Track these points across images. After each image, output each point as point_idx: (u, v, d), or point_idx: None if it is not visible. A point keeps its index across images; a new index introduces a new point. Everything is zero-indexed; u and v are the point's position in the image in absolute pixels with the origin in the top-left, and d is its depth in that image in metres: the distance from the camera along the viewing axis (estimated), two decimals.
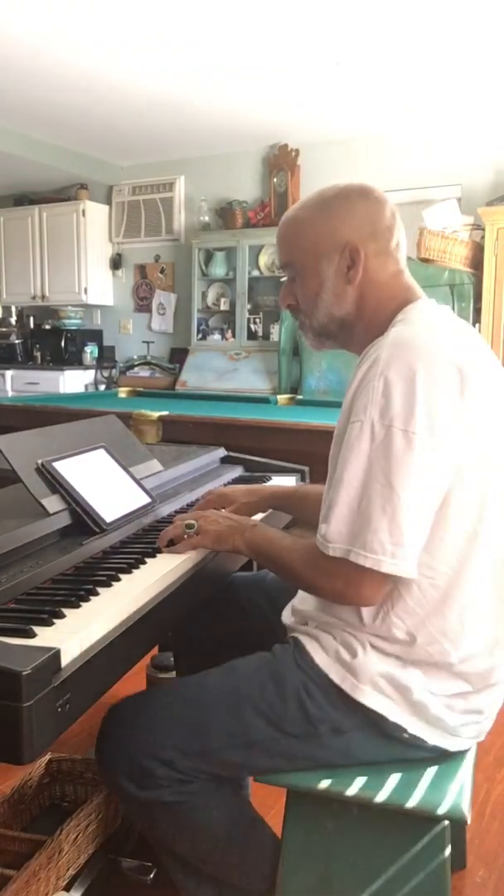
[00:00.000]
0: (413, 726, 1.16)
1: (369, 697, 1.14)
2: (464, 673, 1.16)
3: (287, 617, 1.32)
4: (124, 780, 1.16)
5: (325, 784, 1.18)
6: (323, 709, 1.16)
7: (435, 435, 1.05)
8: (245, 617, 1.52)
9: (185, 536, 1.33)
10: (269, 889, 1.27)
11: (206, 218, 5.78)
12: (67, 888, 1.39)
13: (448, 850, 1.16)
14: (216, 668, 1.23)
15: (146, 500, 1.53)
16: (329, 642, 1.18)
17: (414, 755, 1.20)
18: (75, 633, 0.97)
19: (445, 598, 1.13)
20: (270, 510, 1.63)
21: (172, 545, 1.33)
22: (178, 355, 5.92)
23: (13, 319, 6.49)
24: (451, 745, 1.20)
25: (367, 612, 1.15)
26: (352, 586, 1.10)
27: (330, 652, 1.17)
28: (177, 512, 1.59)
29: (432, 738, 1.17)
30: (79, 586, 1.14)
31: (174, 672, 2.04)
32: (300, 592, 1.30)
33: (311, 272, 1.23)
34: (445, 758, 1.21)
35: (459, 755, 1.22)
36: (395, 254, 1.24)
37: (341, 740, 1.18)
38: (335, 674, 1.16)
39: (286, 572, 1.23)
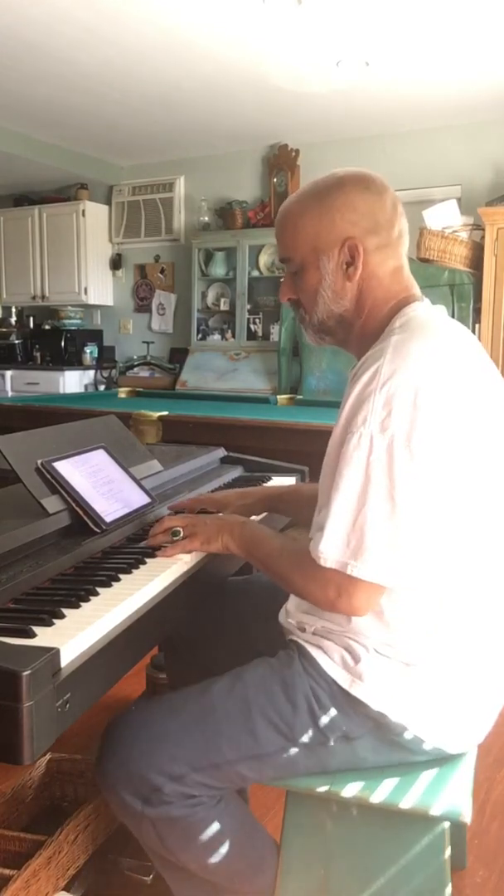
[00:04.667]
0: (419, 729, 1.15)
1: (377, 700, 1.13)
2: (466, 674, 1.16)
3: (283, 618, 1.31)
4: (130, 797, 1.12)
5: (324, 787, 1.18)
6: (332, 715, 1.15)
7: (436, 449, 1.04)
8: (236, 622, 1.50)
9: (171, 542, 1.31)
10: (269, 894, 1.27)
11: (206, 218, 5.78)
12: (67, 888, 1.39)
13: (448, 852, 1.16)
14: (220, 678, 1.20)
15: (146, 500, 1.53)
16: (332, 648, 1.17)
17: (415, 759, 1.20)
18: (75, 633, 0.97)
19: (447, 602, 1.13)
20: (265, 513, 1.61)
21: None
22: (178, 355, 5.92)
23: (13, 319, 6.49)
24: (453, 747, 1.20)
25: (364, 618, 1.14)
26: (344, 596, 1.09)
27: (335, 657, 1.16)
28: (177, 512, 1.58)
29: (436, 740, 1.17)
30: (79, 586, 1.14)
31: None
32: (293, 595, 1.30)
33: (311, 267, 1.21)
34: (446, 760, 1.21)
35: (459, 757, 1.22)
36: (397, 247, 1.21)
37: (350, 748, 1.17)
38: (342, 678, 1.15)
39: (276, 575, 1.22)
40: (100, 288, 6.26)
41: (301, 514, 1.50)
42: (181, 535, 1.31)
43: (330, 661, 1.16)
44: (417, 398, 1.04)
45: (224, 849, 1.19)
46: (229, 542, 1.28)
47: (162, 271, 6.17)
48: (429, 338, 1.12)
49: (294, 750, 1.15)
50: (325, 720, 1.15)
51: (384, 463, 1.04)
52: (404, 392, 1.05)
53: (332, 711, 1.15)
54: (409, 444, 1.03)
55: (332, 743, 1.16)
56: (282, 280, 1.30)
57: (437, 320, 1.18)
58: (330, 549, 1.08)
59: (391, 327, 1.16)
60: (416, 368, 1.06)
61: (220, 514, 1.37)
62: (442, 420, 1.05)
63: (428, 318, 1.17)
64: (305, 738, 1.15)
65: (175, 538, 1.31)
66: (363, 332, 1.23)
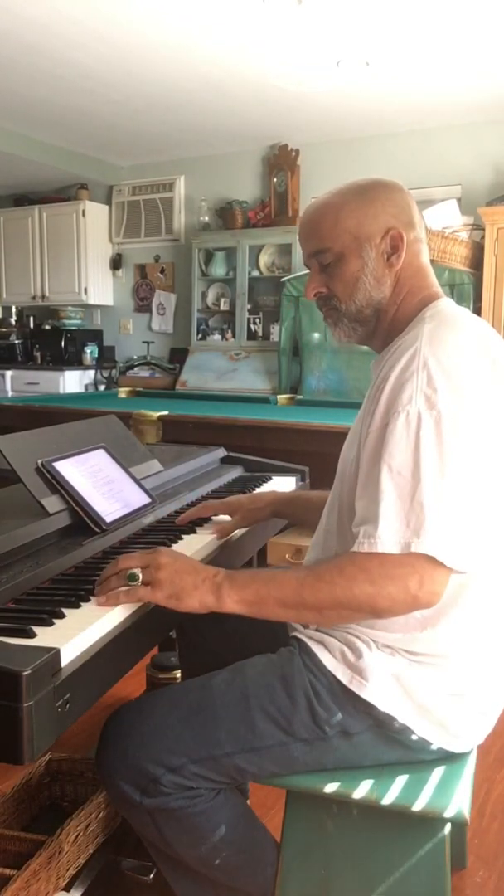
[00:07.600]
0: (420, 727, 1.15)
1: (378, 698, 1.13)
2: (471, 670, 1.16)
3: None
4: (129, 787, 1.13)
5: (325, 786, 1.18)
6: (331, 711, 1.15)
7: (483, 425, 1.07)
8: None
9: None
10: (269, 892, 1.27)
11: (206, 218, 5.78)
12: (67, 888, 1.39)
13: (448, 851, 1.16)
14: (221, 671, 1.21)
15: (146, 500, 1.53)
16: (333, 644, 1.17)
17: (417, 757, 1.20)
18: (75, 633, 0.97)
19: (461, 592, 1.12)
20: (270, 518, 1.60)
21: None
22: (178, 355, 5.92)
23: (13, 319, 6.50)
24: (454, 746, 1.19)
25: None
26: (427, 582, 1.02)
27: (335, 653, 1.16)
28: (177, 512, 1.59)
29: (438, 739, 1.17)
30: (79, 586, 1.14)
31: (174, 672, 2.04)
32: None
33: (353, 255, 1.22)
34: (447, 759, 1.21)
35: (461, 757, 1.22)
36: (425, 244, 1.27)
37: (349, 744, 1.17)
38: (342, 674, 1.15)
39: (321, 605, 1.06)
40: (100, 288, 6.26)
41: (308, 520, 1.49)
42: (139, 580, 1.09)
43: (330, 657, 1.16)
44: (460, 375, 1.07)
45: (222, 844, 1.19)
46: (220, 597, 1.09)
47: (162, 271, 6.17)
48: (463, 326, 1.16)
49: (292, 744, 1.16)
50: (323, 716, 1.15)
51: (433, 439, 1.04)
52: (446, 370, 1.07)
53: (331, 707, 1.15)
54: (457, 420, 1.05)
55: (330, 738, 1.16)
56: (293, 277, 1.32)
57: (465, 313, 1.22)
58: (390, 532, 1.03)
59: (421, 317, 1.19)
60: (455, 350, 1.09)
61: (187, 558, 1.15)
62: (484, 399, 1.07)
63: (457, 311, 1.21)
64: (304, 733, 1.15)
65: (132, 583, 1.09)
66: (393, 321, 1.25)
